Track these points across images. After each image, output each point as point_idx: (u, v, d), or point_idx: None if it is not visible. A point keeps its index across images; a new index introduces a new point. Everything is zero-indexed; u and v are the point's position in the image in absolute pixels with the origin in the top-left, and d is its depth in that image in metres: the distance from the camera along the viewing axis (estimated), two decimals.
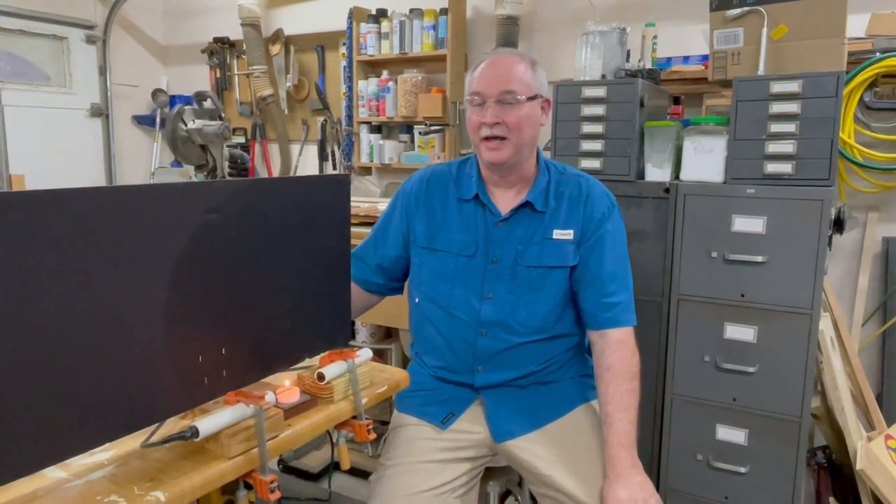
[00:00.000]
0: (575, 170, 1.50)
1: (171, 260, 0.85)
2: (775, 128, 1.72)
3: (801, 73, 1.70)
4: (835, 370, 1.86)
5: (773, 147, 1.73)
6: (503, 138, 1.35)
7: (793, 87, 1.70)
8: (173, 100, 3.89)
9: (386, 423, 1.60)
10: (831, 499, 2.02)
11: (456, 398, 1.45)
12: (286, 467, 2.58)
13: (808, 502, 2.07)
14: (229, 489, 0.99)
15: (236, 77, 3.84)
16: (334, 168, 3.23)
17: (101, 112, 3.88)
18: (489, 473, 1.53)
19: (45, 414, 0.74)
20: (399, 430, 1.44)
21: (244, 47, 3.60)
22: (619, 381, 1.33)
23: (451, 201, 1.46)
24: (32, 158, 3.45)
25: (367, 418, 1.15)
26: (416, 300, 1.49)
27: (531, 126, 1.37)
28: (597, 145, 1.98)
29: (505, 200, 1.43)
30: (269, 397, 0.95)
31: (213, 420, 0.91)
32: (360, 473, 2.43)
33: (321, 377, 1.10)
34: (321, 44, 3.53)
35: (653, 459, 1.96)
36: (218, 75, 3.89)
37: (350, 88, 3.30)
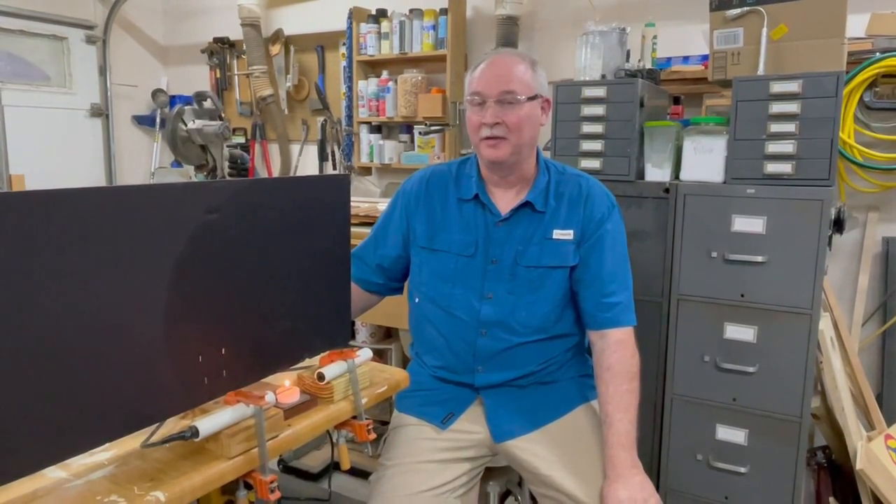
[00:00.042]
0: (575, 170, 1.50)
1: (171, 260, 0.85)
2: (775, 128, 1.72)
3: (800, 73, 1.70)
4: (835, 370, 1.86)
5: (772, 147, 1.73)
6: (503, 138, 1.35)
7: (793, 87, 1.70)
8: (173, 100, 3.89)
9: (386, 423, 1.60)
10: (831, 499, 2.02)
11: (456, 398, 1.45)
12: (286, 467, 2.58)
13: (808, 502, 2.07)
14: (229, 489, 0.99)
15: (236, 77, 3.84)
16: (334, 168, 3.23)
17: (101, 112, 3.88)
18: (489, 473, 1.53)
19: (45, 414, 0.74)
20: (399, 430, 1.44)
21: (244, 47, 3.60)
22: (619, 382, 1.33)
23: (450, 201, 1.46)
24: (32, 158, 3.45)
25: (367, 418, 1.15)
26: (416, 300, 1.50)
27: (531, 126, 1.37)
28: (597, 145, 1.98)
29: (505, 200, 1.43)
30: (269, 397, 0.95)
31: (213, 420, 0.91)
32: (360, 473, 2.43)
33: (321, 377, 1.10)
34: (321, 44, 3.53)
35: (653, 459, 1.96)
36: (218, 75, 3.89)
37: (350, 88, 3.30)
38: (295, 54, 3.63)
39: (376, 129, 3.35)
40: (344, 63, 3.34)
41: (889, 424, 2.01)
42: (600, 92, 1.95)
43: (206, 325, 0.92)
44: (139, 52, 4.09)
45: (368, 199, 2.95)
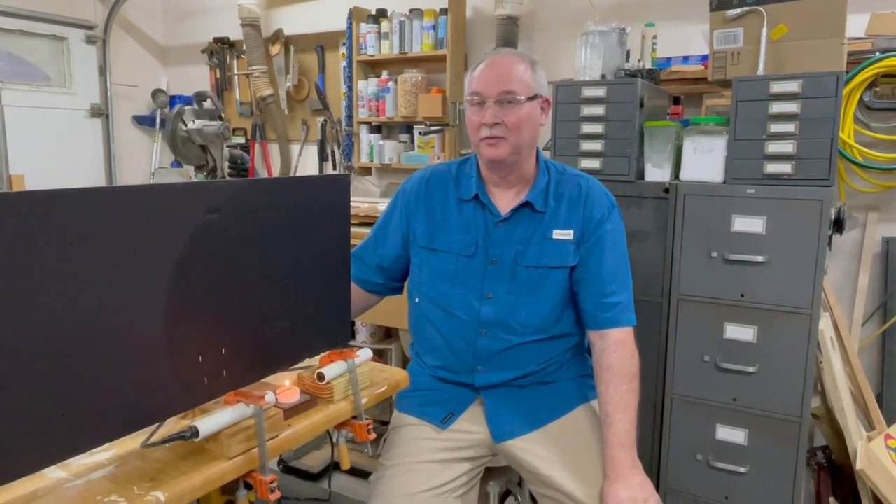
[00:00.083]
0: (575, 170, 1.50)
1: (171, 260, 0.85)
2: (775, 128, 1.72)
3: (800, 73, 1.70)
4: (835, 370, 1.86)
5: (772, 147, 1.73)
6: (502, 138, 1.35)
7: (792, 87, 1.70)
8: (173, 100, 3.89)
9: (386, 423, 1.60)
10: (831, 499, 2.02)
11: (456, 398, 1.45)
12: (286, 467, 2.58)
13: (808, 502, 2.07)
14: (229, 489, 0.99)
15: (236, 77, 3.84)
16: (334, 168, 3.23)
17: (101, 112, 3.88)
18: (489, 473, 1.53)
19: (45, 414, 0.74)
20: (399, 430, 1.44)
21: (244, 47, 3.60)
22: (619, 382, 1.33)
23: (450, 201, 1.46)
24: (32, 158, 3.45)
25: (367, 418, 1.15)
26: (416, 300, 1.50)
27: (531, 126, 1.37)
28: (597, 145, 1.98)
29: (505, 200, 1.43)
30: (269, 397, 0.95)
31: (213, 420, 0.91)
32: (360, 473, 2.43)
33: (321, 377, 1.10)
34: (321, 44, 3.53)
35: (653, 459, 1.96)
36: (218, 75, 3.89)
37: (350, 88, 3.30)
38: (295, 54, 3.63)
39: (376, 129, 3.35)
40: (344, 63, 3.34)
41: (889, 424, 2.01)
42: (600, 92, 1.95)
43: (206, 325, 0.92)
44: (139, 52, 4.09)
45: (368, 199, 2.95)
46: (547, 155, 1.61)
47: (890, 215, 2.27)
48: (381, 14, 3.18)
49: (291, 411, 1.05)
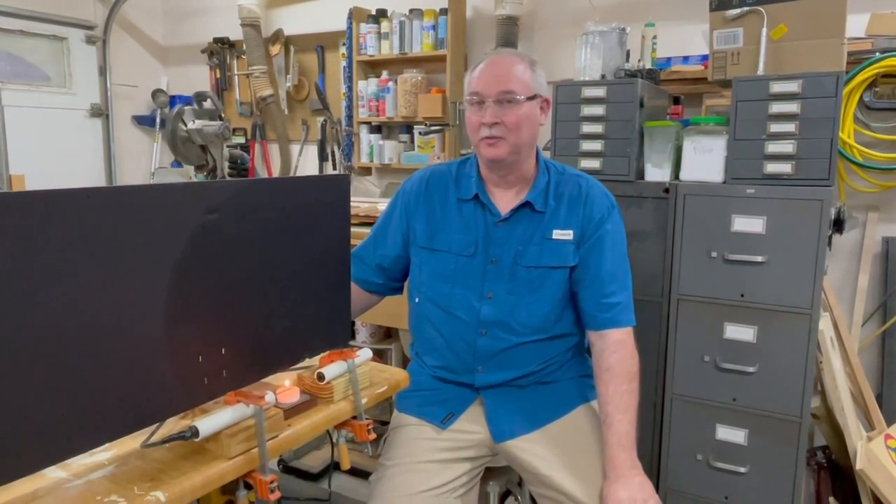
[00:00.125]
0: (574, 170, 1.50)
1: (171, 260, 0.85)
2: (775, 128, 1.72)
3: (800, 73, 1.70)
4: (835, 370, 1.86)
5: (772, 147, 1.73)
6: (502, 138, 1.35)
7: (792, 87, 1.70)
8: (173, 100, 3.89)
9: (386, 423, 1.60)
10: (831, 499, 2.02)
11: (456, 398, 1.45)
12: (286, 467, 2.58)
13: (808, 502, 2.07)
14: (229, 489, 0.99)
15: (236, 77, 3.84)
16: (334, 168, 3.23)
17: (101, 112, 3.88)
18: (489, 473, 1.53)
19: (45, 414, 0.74)
20: (399, 430, 1.44)
21: (244, 47, 3.60)
22: (619, 382, 1.33)
23: (450, 201, 1.46)
24: (32, 158, 3.45)
25: (367, 418, 1.15)
26: (416, 300, 1.50)
27: (530, 126, 1.37)
28: (596, 145, 1.98)
29: (505, 200, 1.43)
30: (269, 397, 0.95)
31: (213, 420, 0.91)
32: (360, 473, 2.43)
33: (321, 377, 1.10)
34: (321, 44, 3.53)
35: (653, 459, 1.96)
36: (218, 76, 3.89)
37: (350, 89, 3.30)
38: (295, 54, 3.63)
39: (376, 129, 3.35)
40: (344, 63, 3.34)
41: (889, 424, 2.01)
42: (600, 92, 1.95)
43: (206, 325, 0.92)
44: (139, 53, 4.09)
45: (368, 199, 2.96)
46: (547, 155, 1.61)
47: (890, 215, 2.27)
48: (381, 14, 3.18)
49: (291, 411, 1.05)
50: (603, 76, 2.00)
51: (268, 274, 1.00)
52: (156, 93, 3.88)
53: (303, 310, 1.07)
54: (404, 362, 2.62)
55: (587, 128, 1.98)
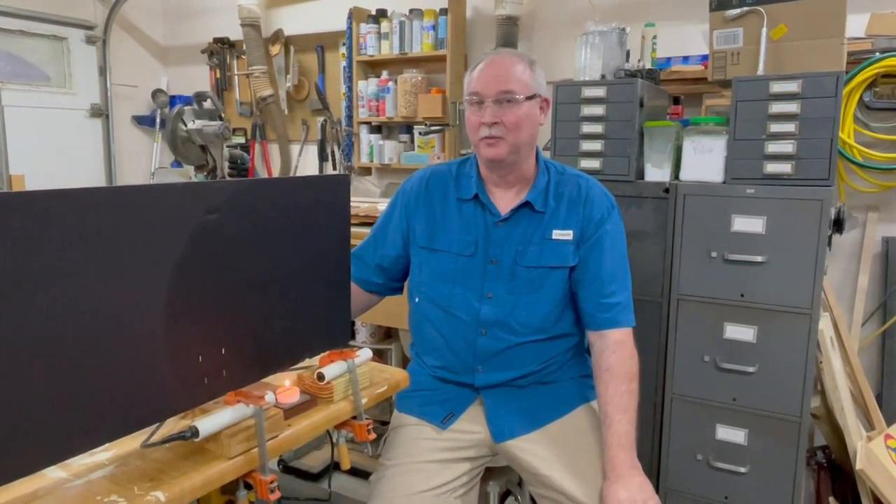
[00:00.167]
0: (574, 170, 1.50)
1: (171, 260, 0.85)
2: (775, 128, 1.72)
3: (800, 73, 1.70)
4: (835, 370, 1.86)
5: (772, 147, 1.73)
6: (501, 138, 1.35)
7: (792, 87, 1.70)
8: (173, 100, 3.89)
9: (386, 423, 1.60)
10: (831, 499, 2.02)
11: (456, 398, 1.45)
12: (286, 467, 2.58)
13: (808, 502, 2.07)
14: (229, 489, 0.99)
15: (236, 77, 3.84)
16: (334, 168, 3.23)
17: (101, 112, 3.88)
18: (489, 473, 1.53)
19: (45, 414, 0.74)
20: (399, 430, 1.44)
21: (244, 47, 3.60)
22: (619, 382, 1.33)
23: (450, 201, 1.46)
24: (32, 159, 3.45)
25: (367, 418, 1.15)
26: (416, 300, 1.50)
27: (530, 125, 1.37)
28: (596, 145, 1.98)
29: (504, 200, 1.43)
30: (269, 397, 0.95)
31: (213, 420, 0.91)
32: (360, 473, 2.43)
33: (321, 377, 1.11)
34: (321, 44, 3.53)
35: (653, 459, 1.96)
36: (218, 76, 3.89)
37: (350, 89, 3.30)
38: (295, 54, 3.63)
39: (376, 129, 3.35)
40: (344, 63, 3.34)
41: (889, 424, 2.01)
42: (600, 92, 1.95)
43: (206, 325, 0.92)
44: (139, 53, 4.09)
45: (368, 199, 2.96)
46: (547, 155, 1.61)
47: (890, 215, 2.27)
48: (381, 14, 3.18)
49: (291, 411, 1.05)
50: (603, 76, 2.00)
51: (268, 274, 1.00)
52: (156, 93, 3.88)
53: (303, 310, 1.07)
54: (404, 362, 2.62)
55: (587, 128, 1.98)
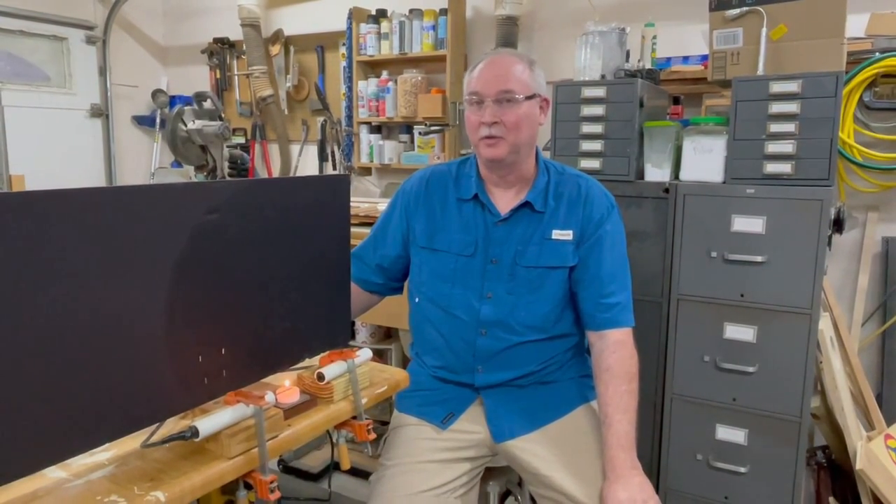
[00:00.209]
0: (574, 170, 1.50)
1: (170, 260, 0.85)
2: (775, 128, 1.72)
3: (800, 73, 1.70)
4: (834, 370, 1.86)
5: (772, 147, 1.73)
6: (501, 137, 1.35)
7: (792, 87, 1.70)
8: (173, 100, 3.89)
9: (386, 423, 1.60)
10: (831, 499, 2.02)
11: (456, 398, 1.45)
12: (286, 467, 2.59)
13: (808, 502, 2.07)
14: (229, 489, 0.99)
15: (236, 77, 3.84)
16: (334, 168, 3.23)
17: (101, 112, 3.88)
18: (489, 473, 1.53)
19: (45, 414, 0.74)
20: (399, 430, 1.44)
21: (244, 48, 3.60)
22: (618, 382, 1.33)
23: (450, 201, 1.46)
24: (32, 159, 3.45)
25: (367, 418, 1.15)
26: (416, 300, 1.50)
27: (529, 125, 1.37)
28: (596, 145, 1.98)
29: (504, 200, 1.43)
30: (269, 397, 0.95)
31: (213, 420, 0.91)
32: (360, 473, 2.43)
33: (321, 377, 1.11)
34: (321, 44, 3.53)
35: (653, 459, 1.96)
36: (218, 76, 3.89)
37: (350, 89, 3.30)
38: (295, 54, 3.63)
39: (376, 129, 3.35)
40: (344, 63, 3.34)
41: (889, 424, 2.01)
42: (600, 92, 1.95)
43: (206, 325, 0.92)
44: (139, 53, 4.09)
45: (368, 199, 2.96)
46: (547, 155, 1.61)
47: (890, 215, 2.28)
48: (381, 14, 3.18)
49: (291, 411, 1.05)
50: (603, 76, 2.00)
51: (268, 274, 1.00)
52: (156, 93, 3.88)
53: (303, 310, 1.07)
54: (404, 362, 2.62)
55: (587, 128, 1.98)
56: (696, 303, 1.85)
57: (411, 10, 3.09)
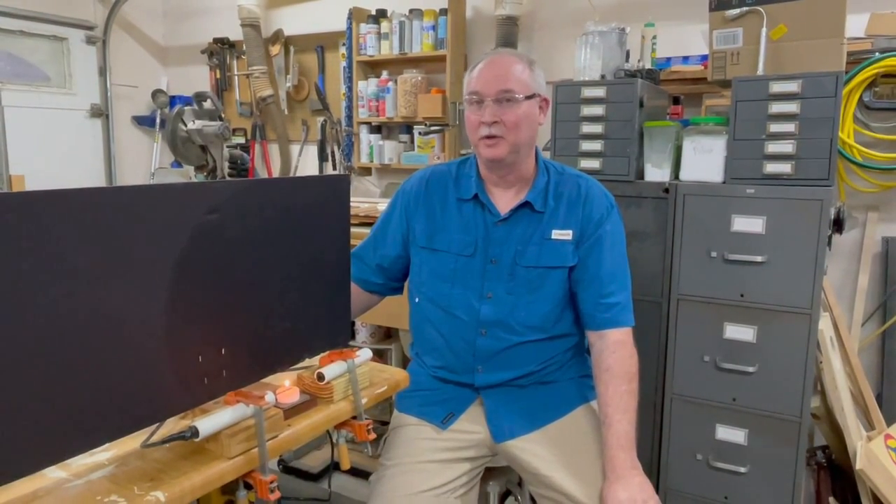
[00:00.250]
0: (574, 170, 1.50)
1: (170, 260, 0.85)
2: (775, 128, 1.72)
3: (800, 73, 1.70)
4: (834, 370, 1.86)
5: (772, 147, 1.73)
6: (501, 137, 1.35)
7: (792, 87, 1.70)
8: (173, 100, 3.90)
9: (386, 423, 1.60)
10: (831, 499, 2.02)
11: (456, 398, 1.45)
12: (286, 467, 2.59)
13: (808, 502, 2.07)
14: (229, 489, 0.99)
15: (236, 77, 3.84)
16: (334, 168, 3.23)
17: (101, 113, 3.88)
18: (489, 473, 1.53)
19: (45, 414, 0.74)
20: (399, 430, 1.44)
21: (244, 48, 3.60)
22: (618, 382, 1.33)
23: (450, 201, 1.46)
24: (32, 159, 3.45)
25: (366, 418, 1.15)
26: (416, 300, 1.50)
27: (529, 125, 1.37)
28: (596, 145, 1.98)
29: (504, 200, 1.44)
30: (269, 397, 0.96)
31: (213, 420, 0.91)
32: (360, 473, 2.43)
33: (321, 377, 1.11)
34: (321, 44, 3.53)
35: (653, 459, 1.96)
36: (218, 76, 3.89)
37: (350, 89, 3.30)
38: (295, 54, 3.63)
39: (376, 129, 3.35)
40: (344, 63, 3.34)
41: (889, 424, 2.01)
42: (600, 92, 1.95)
43: (206, 325, 0.92)
44: (139, 53, 4.09)
45: (368, 200, 2.96)
46: (547, 155, 1.61)
47: (890, 215, 2.28)
48: (381, 14, 3.18)
49: (291, 411, 1.05)
50: (603, 76, 2.00)
51: (268, 274, 1.00)
52: (156, 93, 3.88)
53: (303, 310, 1.07)
54: (404, 362, 2.62)
55: (587, 128, 1.98)
56: (696, 303, 1.85)
57: (411, 10, 3.09)
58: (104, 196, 0.79)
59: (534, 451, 1.37)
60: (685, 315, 1.87)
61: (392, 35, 3.12)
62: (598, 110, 1.96)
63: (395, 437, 1.43)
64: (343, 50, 3.34)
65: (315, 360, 1.16)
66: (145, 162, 4.06)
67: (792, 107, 1.70)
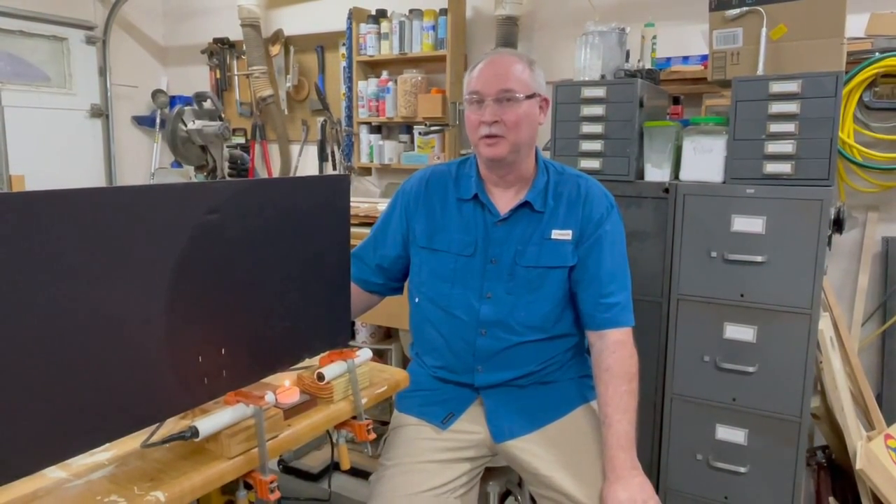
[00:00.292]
0: (574, 170, 1.50)
1: (170, 260, 0.85)
2: (774, 128, 1.72)
3: (800, 73, 1.70)
4: (834, 370, 1.86)
5: (772, 147, 1.73)
6: (501, 136, 1.35)
7: (792, 87, 1.70)
8: (173, 100, 3.90)
9: (386, 423, 1.60)
10: (831, 499, 2.02)
11: (456, 398, 1.45)
12: (286, 467, 2.59)
13: (808, 502, 2.07)
14: (229, 489, 0.99)
15: (236, 77, 3.85)
16: (334, 168, 3.23)
17: (101, 113, 3.88)
18: (489, 473, 1.53)
19: (45, 414, 0.74)
20: (399, 430, 1.44)
21: (244, 48, 3.60)
22: (618, 383, 1.33)
23: (450, 201, 1.46)
24: (32, 159, 3.45)
25: (366, 418, 1.15)
26: (416, 300, 1.50)
27: (529, 124, 1.37)
28: (596, 145, 1.98)
29: (504, 200, 1.44)
30: (269, 397, 0.96)
31: (213, 420, 0.91)
32: (360, 473, 2.43)
33: (321, 377, 1.11)
34: (321, 44, 3.53)
35: (653, 459, 1.96)
36: (218, 76, 3.89)
37: (350, 89, 3.30)
38: (295, 54, 3.63)
39: (376, 129, 3.35)
40: (344, 63, 3.34)
41: (889, 424, 2.01)
42: (600, 92, 1.95)
43: (206, 325, 0.92)
44: (139, 53, 4.09)
45: (368, 200, 2.96)
46: (547, 155, 1.61)
47: (890, 215, 2.28)
48: (381, 14, 3.18)
49: (291, 411, 1.05)
50: (603, 76, 2.00)
51: (268, 274, 1.00)
52: (156, 93, 3.88)
53: (303, 310, 1.07)
54: (404, 362, 2.62)
55: (587, 128, 1.98)
56: (696, 303, 1.85)
57: (411, 10, 3.09)
58: (104, 196, 0.79)
59: (534, 451, 1.37)
60: (685, 315, 1.87)
61: (392, 35, 3.12)
62: (598, 110, 1.96)
63: (395, 437, 1.43)
64: (343, 50, 3.34)
65: (315, 360, 1.16)
66: (145, 162, 4.06)
67: (792, 107, 1.70)
